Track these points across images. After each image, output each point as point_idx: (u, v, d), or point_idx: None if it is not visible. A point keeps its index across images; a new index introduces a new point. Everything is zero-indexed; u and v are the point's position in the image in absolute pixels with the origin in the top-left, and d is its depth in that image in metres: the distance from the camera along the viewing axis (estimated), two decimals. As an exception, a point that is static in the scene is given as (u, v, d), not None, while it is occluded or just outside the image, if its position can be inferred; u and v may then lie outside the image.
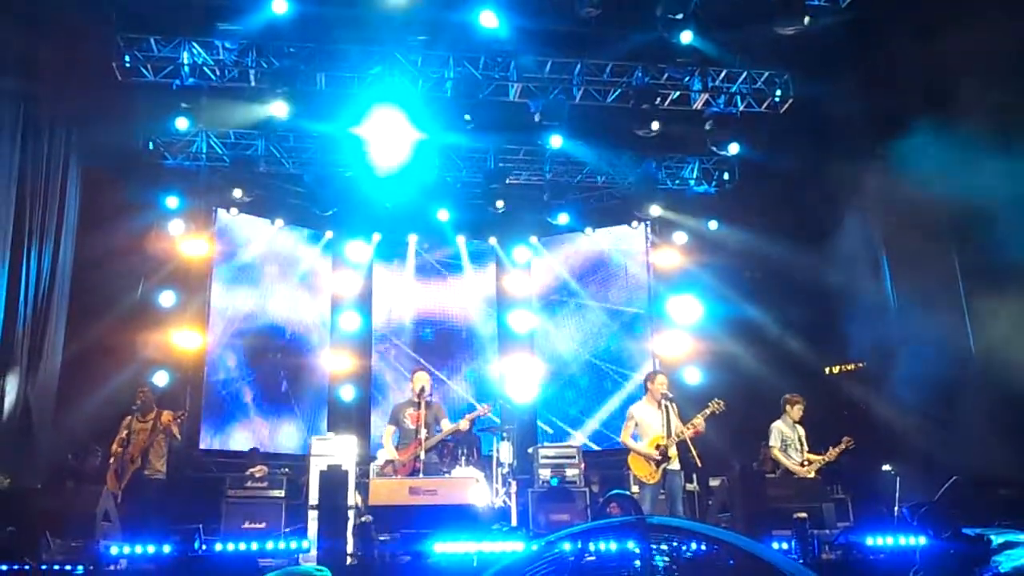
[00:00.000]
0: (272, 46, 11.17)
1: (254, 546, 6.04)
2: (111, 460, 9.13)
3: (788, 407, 9.40)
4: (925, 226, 9.79)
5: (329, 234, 14.78)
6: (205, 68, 11.28)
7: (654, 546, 3.47)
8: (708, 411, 8.37)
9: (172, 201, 12.68)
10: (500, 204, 13.68)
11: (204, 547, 5.92)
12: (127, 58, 10.98)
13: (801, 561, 5.93)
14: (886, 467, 9.31)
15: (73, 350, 10.62)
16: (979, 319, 9.49)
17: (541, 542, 3.63)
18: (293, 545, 6.21)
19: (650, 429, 8.34)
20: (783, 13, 10.04)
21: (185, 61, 11.11)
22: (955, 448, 9.00)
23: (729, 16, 10.89)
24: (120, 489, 8.82)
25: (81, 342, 10.69)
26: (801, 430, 9.37)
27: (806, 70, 11.72)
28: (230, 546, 6.03)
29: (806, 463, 9.17)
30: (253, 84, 11.45)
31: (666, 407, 8.34)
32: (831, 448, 9.27)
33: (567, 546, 3.53)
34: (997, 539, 4.63)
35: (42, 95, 10.08)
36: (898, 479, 8.88)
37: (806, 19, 9.98)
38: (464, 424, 9.07)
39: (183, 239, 12.75)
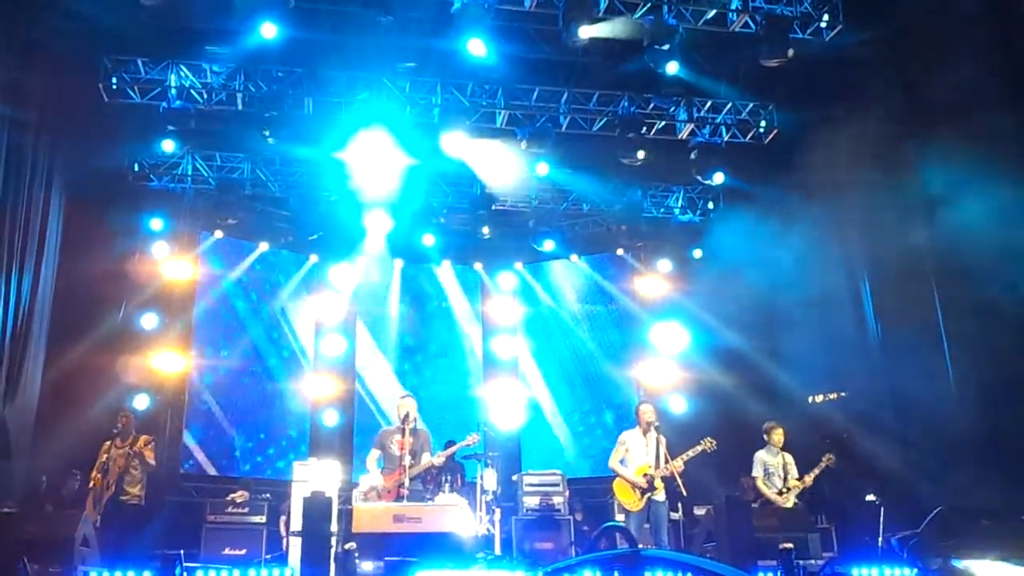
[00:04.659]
0: (260, 70, 11.19)
1: (236, 573, 5.97)
2: (90, 485, 9.01)
3: (768, 435, 9.38)
4: (907, 257, 9.87)
5: (314, 258, 14.73)
6: (192, 91, 11.25)
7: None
8: (699, 448, 8.36)
9: (156, 223, 12.64)
10: (486, 230, 13.71)
11: (185, 574, 5.83)
12: (113, 80, 10.91)
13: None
14: (870, 497, 9.28)
15: (54, 374, 10.46)
16: (959, 351, 9.54)
17: (548, 568, 3.64)
18: (276, 572, 6.15)
19: (637, 457, 8.34)
20: (768, 46, 10.16)
21: (172, 83, 11.07)
22: (936, 479, 9.01)
23: (715, 48, 11.01)
24: (98, 516, 8.71)
25: (62, 366, 10.55)
26: (788, 456, 9.30)
27: (791, 101, 11.84)
28: (211, 573, 5.96)
29: (785, 491, 9.13)
30: (240, 108, 11.45)
31: (656, 437, 8.35)
32: (807, 474, 9.15)
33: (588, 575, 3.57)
34: (986, 572, 4.64)
35: (27, 119, 9.99)
36: (882, 509, 8.86)
37: (790, 51, 10.10)
38: (450, 452, 9.07)
39: (167, 261, 12.67)
